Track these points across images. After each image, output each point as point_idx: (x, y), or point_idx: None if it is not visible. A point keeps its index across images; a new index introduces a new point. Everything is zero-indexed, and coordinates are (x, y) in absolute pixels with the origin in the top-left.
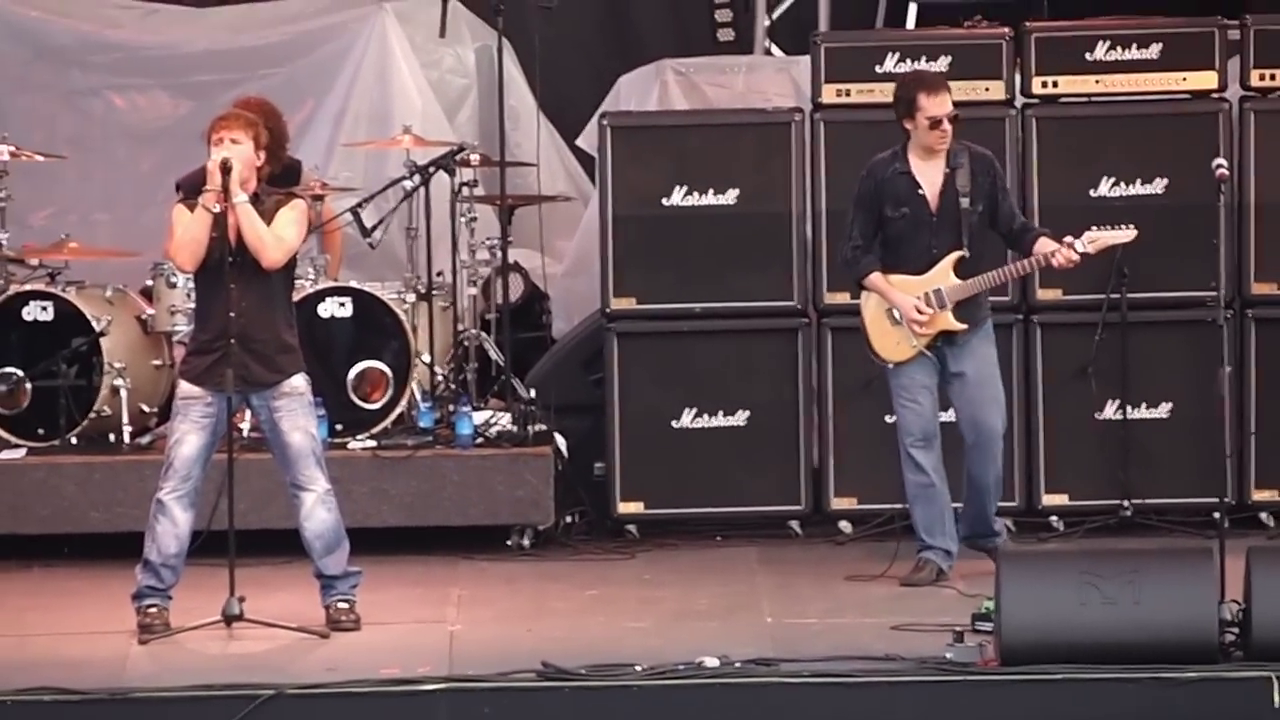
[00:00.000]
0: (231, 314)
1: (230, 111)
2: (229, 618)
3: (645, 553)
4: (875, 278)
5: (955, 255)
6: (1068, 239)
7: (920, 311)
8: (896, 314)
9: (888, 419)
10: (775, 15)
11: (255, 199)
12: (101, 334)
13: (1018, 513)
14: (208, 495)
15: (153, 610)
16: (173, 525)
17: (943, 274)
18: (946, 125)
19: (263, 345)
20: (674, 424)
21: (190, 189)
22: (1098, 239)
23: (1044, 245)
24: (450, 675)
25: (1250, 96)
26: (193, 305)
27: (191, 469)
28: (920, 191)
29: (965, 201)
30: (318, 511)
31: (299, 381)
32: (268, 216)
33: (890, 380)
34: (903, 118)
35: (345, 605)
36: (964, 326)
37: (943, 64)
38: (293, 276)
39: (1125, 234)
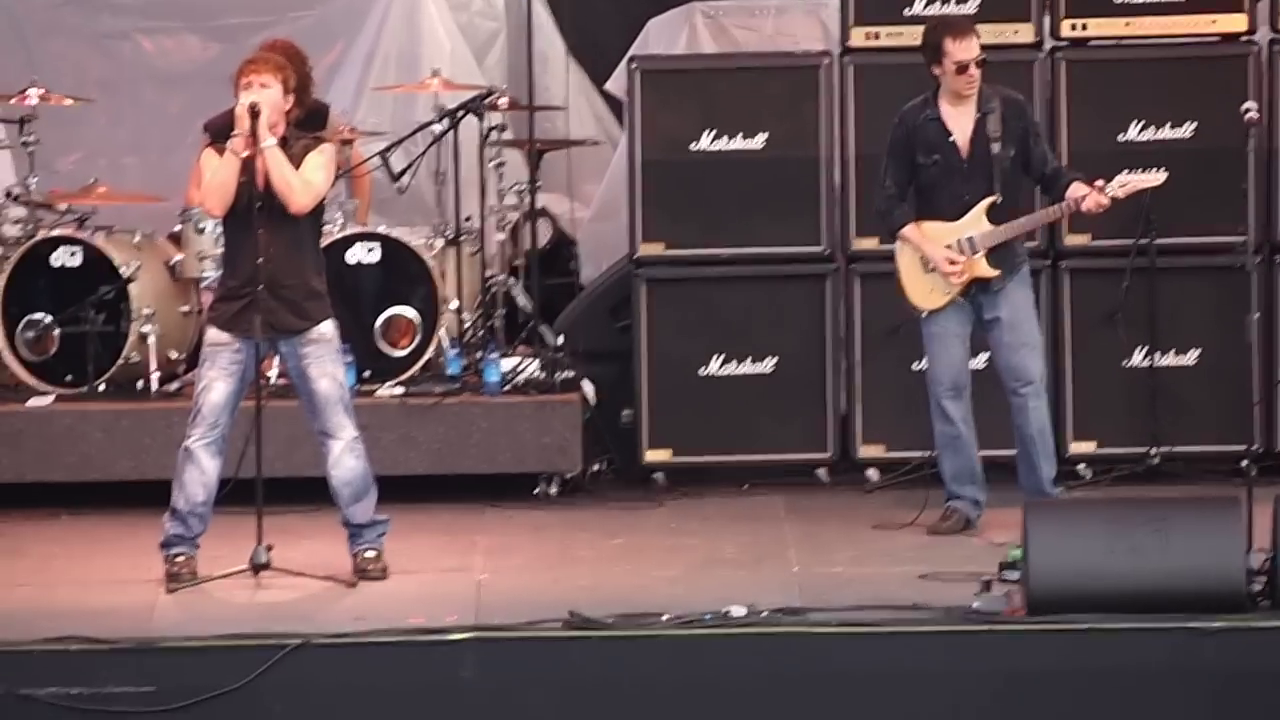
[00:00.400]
0: (260, 260)
1: (259, 55)
2: (256, 566)
3: (672, 501)
4: (908, 229)
5: (987, 201)
6: (1098, 183)
7: (952, 261)
8: (931, 263)
9: (915, 366)
10: None
11: (283, 143)
12: (130, 280)
13: None
14: (235, 443)
15: (180, 559)
16: (200, 473)
17: (975, 220)
18: (973, 70)
19: (291, 291)
20: (701, 371)
21: (218, 132)
22: (1127, 183)
23: (1076, 190)
24: (477, 624)
25: None
26: (221, 251)
27: (220, 416)
28: (951, 138)
29: (996, 147)
30: (345, 459)
31: (327, 328)
32: (296, 161)
33: (923, 328)
34: (930, 64)
35: (373, 554)
36: (997, 273)
37: (972, 6)
38: (321, 222)
39: (1154, 178)
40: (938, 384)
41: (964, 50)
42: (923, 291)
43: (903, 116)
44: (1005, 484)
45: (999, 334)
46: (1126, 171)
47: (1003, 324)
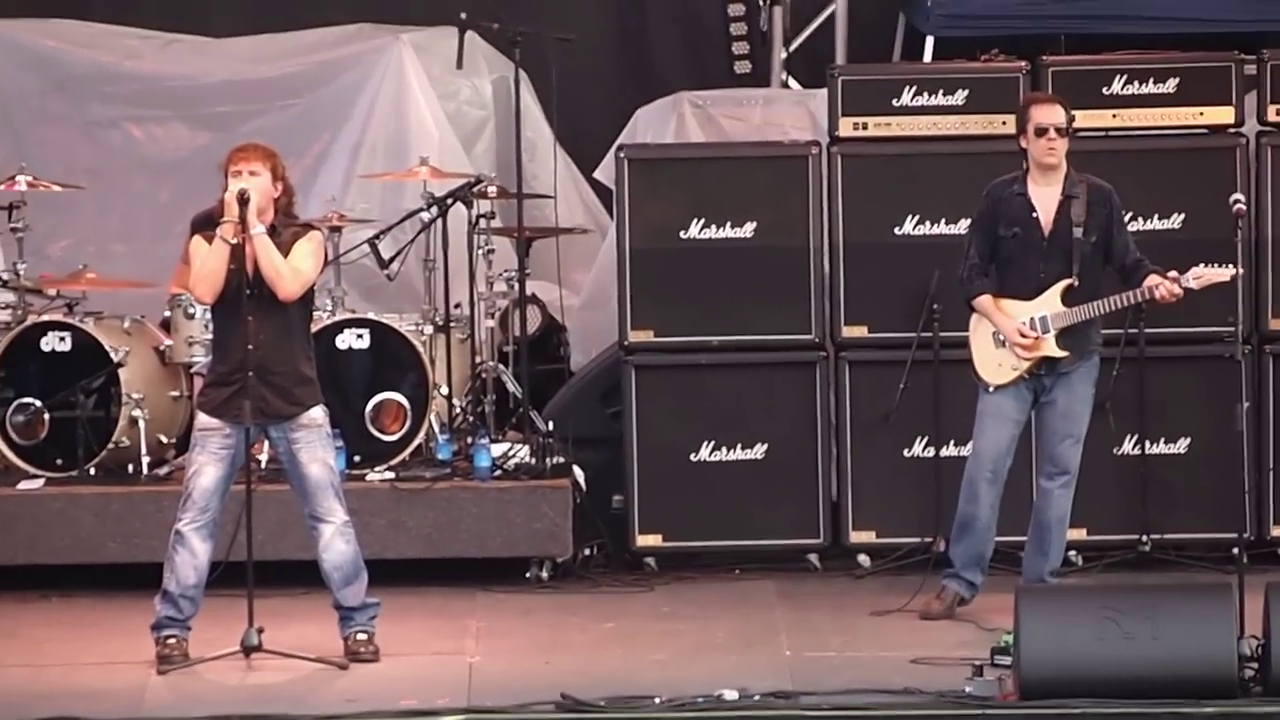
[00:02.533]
0: (250, 346)
1: (248, 143)
2: (248, 648)
3: (664, 585)
4: (983, 300)
5: (1064, 283)
6: (1172, 274)
7: (1023, 335)
8: (1001, 336)
9: (906, 453)
10: (792, 48)
11: (272, 230)
12: (119, 365)
13: None
14: (226, 526)
15: (171, 641)
16: (191, 556)
17: (1050, 301)
18: (1053, 135)
19: (281, 378)
20: (692, 457)
21: (201, 226)
22: (1203, 276)
23: (1152, 279)
24: (469, 707)
25: (1267, 131)
26: (210, 336)
27: (210, 500)
28: (1034, 214)
29: (1079, 231)
30: (336, 543)
31: (317, 414)
32: (285, 248)
33: (980, 405)
34: (1019, 134)
35: (364, 636)
36: (1066, 354)
37: (959, 98)
38: (311, 308)
39: (1227, 272)
40: (980, 464)
41: (1045, 115)
42: (991, 366)
43: (990, 189)
44: (997, 569)
45: (1051, 419)
46: (1203, 265)
47: (1058, 411)
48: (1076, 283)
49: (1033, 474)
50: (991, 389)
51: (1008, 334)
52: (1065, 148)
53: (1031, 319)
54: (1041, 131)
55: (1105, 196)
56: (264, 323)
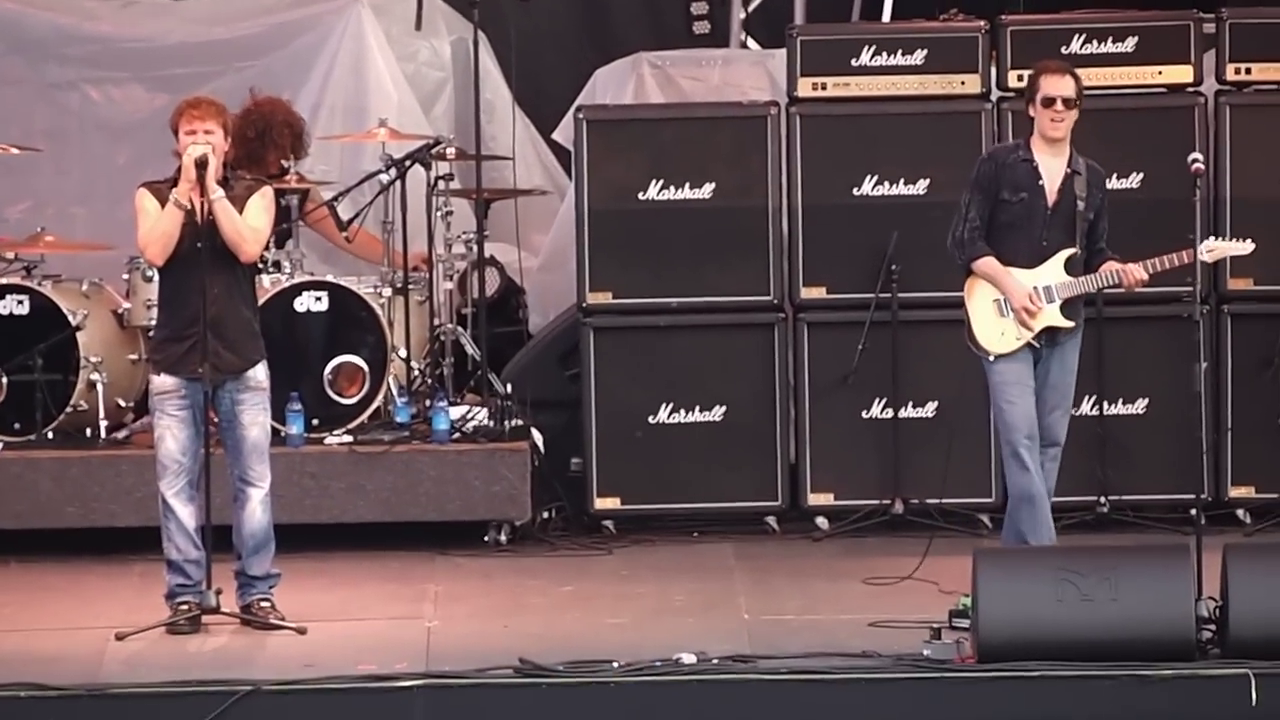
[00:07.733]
0: (204, 301)
1: (200, 99)
2: (205, 609)
3: (622, 549)
4: (988, 261)
5: (1068, 252)
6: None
7: (1032, 301)
8: (1004, 305)
9: (864, 414)
10: (751, 8)
11: (224, 184)
12: (78, 328)
13: (991, 509)
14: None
15: (184, 606)
16: (179, 523)
17: (1054, 270)
18: (1059, 108)
19: (233, 331)
20: (650, 419)
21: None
22: (1216, 249)
23: (1109, 266)
24: (427, 671)
25: (1226, 90)
26: None
27: (183, 461)
28: (1040, 182)
29: (1081, 204)
30: (258, 512)
31: (262, 373)
32: (239, 203)
33: (989, 376)
34: (1027, 103)
35: (268, 604)
36: (1071, 324)
37: (919, 57)
38: (256, 263)
39: (1243, 246)
40: (1015, 431)
41: (1053, 86)
42: (994, 335)
43: (992, 154)
44: (956, 531)
45: (1041, 391)
46: (1214, 238)
47: (1049, 383)
48: (1079, 253)
49: (991, 437)
50: (993, 358)
51: (1016, 299)
52: (1073, 120)
53: (1036, 288)
54: (1049, 103)
55: (1101, 180)
56: (216, 278)
